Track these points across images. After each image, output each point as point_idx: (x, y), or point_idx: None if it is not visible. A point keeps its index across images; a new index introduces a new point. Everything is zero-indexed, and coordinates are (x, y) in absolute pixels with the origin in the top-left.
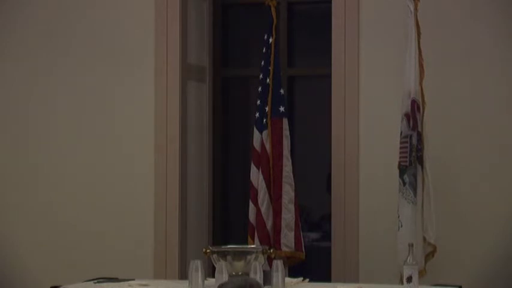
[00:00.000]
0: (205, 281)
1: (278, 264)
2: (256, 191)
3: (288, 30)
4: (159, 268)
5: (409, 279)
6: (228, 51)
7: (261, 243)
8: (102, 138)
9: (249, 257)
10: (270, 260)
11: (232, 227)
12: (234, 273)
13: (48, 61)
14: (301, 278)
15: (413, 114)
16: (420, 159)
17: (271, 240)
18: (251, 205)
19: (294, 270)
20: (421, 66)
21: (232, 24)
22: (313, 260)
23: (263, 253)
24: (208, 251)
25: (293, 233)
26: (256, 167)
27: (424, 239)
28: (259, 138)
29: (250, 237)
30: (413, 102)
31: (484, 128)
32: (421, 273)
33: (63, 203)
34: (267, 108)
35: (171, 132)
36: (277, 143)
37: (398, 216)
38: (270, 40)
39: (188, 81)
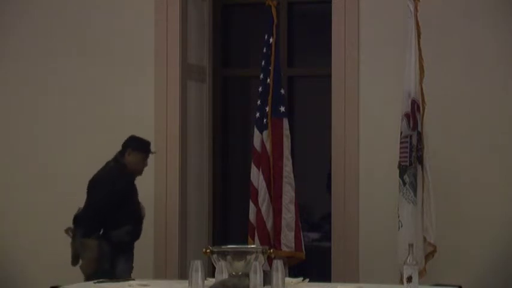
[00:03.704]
0: (205, 281)
1: (278, 264)
2: (257, 190)
3: (288, 30)
4: (159, 268)
5: (409, 279)
6: (228, 51)
7: (261, 243)
8: (102, 138)
9: (249, 257)
10: (270, 260)
11: (232, 227)
12: (234, 273)
13: (49, 62)
14: (301, 278)
15: (413, 114)
16: (420, 159)
17: (271, 240)
18: (251, 205)
19: (294, 270)
20: (421, 66)
21: (232, 24)
22: (313, 260)
23: (263, 253)
24: (208, 251)
25: (293, 233)
26: (256, 167)
27: (424, 239)
28: (259, 138)
29: (250, 237)
30: (413, 102)
31: (484, 128)
32: (421, 273)
33: (64, 203)
34: (267, 108)
35: (171, 132)
36: (277, 143)
37: (398, 216)
38: (270, 40)
39: (188, 81)
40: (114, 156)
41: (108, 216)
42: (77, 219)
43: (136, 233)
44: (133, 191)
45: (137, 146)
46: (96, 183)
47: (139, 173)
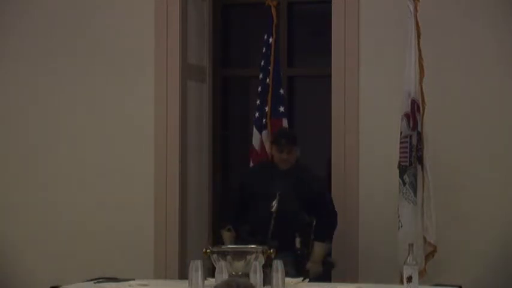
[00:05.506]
0: (205, 281)
1: (278, 264)
2: None
3: (288, 30)
4: (159, 268)
5: (409, 279)
6: (228, 51)
7: None
8: (102, 138)
9: (249, 257)
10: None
11: None
12: (234, 273)
13: (49, 62)
14: (301, 278)
15: (413, 114)
16: (420, 159)
17: None
18: None
19: None
20: (421, 66)
21: (232, 24)
22: None
23: (263, 253)
24: (208, 251)
25: None
26: None
27: (424, 239)
28: (258, 138)
29: None
30: (413, 102)
31: (484, 128)
32: (421, 273)
33: (64, 203)
34: (266, 108)
35: (171, 132)
36: None
37: (398, 216)
38: (270, 40)
39: (188, 81)
40: None
41: (240, 209)
42: None
43: (255, 234)
44: (269, 185)
45: (272, 138)
46: (241, 173)
47: (281, 165)
